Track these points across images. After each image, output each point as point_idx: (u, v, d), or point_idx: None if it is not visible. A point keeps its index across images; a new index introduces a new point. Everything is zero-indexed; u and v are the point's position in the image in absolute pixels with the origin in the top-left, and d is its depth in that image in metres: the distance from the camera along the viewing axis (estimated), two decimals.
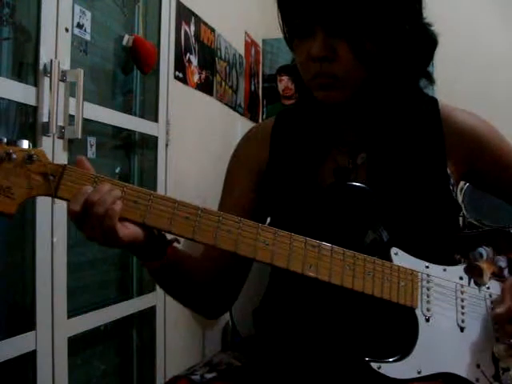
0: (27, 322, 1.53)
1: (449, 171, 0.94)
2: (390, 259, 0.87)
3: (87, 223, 0.76)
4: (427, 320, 0.87)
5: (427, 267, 0.89)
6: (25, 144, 0.75)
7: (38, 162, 0.75)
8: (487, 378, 0.88)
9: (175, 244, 0.87)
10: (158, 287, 2.18)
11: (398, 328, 0.87)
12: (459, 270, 0.92)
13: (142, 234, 0.80)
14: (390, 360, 0.84)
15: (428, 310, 0.87)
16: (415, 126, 0.95)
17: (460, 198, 2.61)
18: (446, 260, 0.93)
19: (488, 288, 0.93)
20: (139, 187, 0.78)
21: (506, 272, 0.96)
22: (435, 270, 0.90)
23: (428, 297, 0.88)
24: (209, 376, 0.95)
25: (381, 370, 0.82)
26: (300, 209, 0.94)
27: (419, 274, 0.88)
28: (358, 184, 0.91)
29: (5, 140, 0.73)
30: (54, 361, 1.61)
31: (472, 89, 3.16)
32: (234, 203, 1.01)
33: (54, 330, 1.60)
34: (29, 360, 1.53)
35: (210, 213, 0.79)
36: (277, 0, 0.90)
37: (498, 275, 0.95)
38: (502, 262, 0.96)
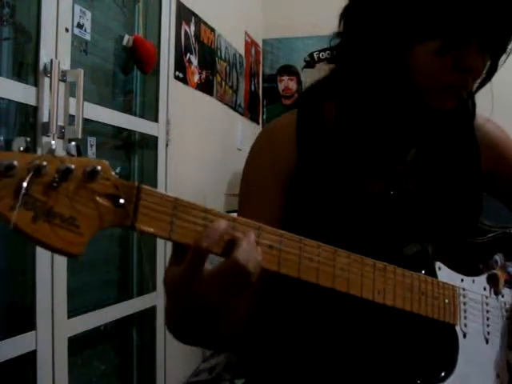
0: (27, 322, 1.53)
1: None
2: (434, 274, 0.84)
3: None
4: (464, 336, 0.85)
5: (462, 281, 0.87)
6: (73, 149, 0.53)
7: (102, 179, 0.53)
8: None
9: None
10: (158, 287, 2.19)
11: (439, 346, 0.85)
12: (483, 280, 0.91)
13: None
14: (437, 382, 0.82)
15: (465, 325, 0.86)
16: (453, 128, 0.95)
17: None
18: (474, 270, 0.91)
19: (502, 296, 0.92)
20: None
21: None
22: (467, 282, 0.88)
23: (465, 312, 0.86)
24: (239, 382, 0.92)
25: None
26: (342, 214, 0.87)
27: (457, 288, 0.86)
28: (403, 191, 0.89)
29: (52, 144, 0.52)
30: (54, 361, 1.61)
31: (496, 98, 3.14)
32: (261, 215, 0.85)
33: (54, 329, 1.60)
34: (29, 360, 1.53)
35: (290, 238, 0.66)
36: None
37: (509, 282, 0.94)
38: (511, 267, 0.96)
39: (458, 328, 0.85)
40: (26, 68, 1.57)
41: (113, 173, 0.55)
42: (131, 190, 0.55)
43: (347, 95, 0.91)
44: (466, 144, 0.95)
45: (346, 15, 0.88)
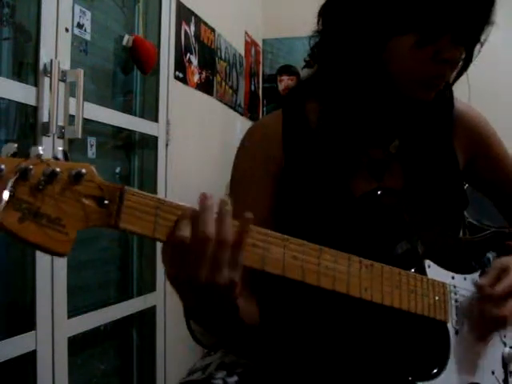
0: (27, 322, 1.53)
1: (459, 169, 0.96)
2: (424, 272, 0.85)
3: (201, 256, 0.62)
4: (456, 333, 0.86)
5: (453, 278, 0.88)
6: (60, 154, 0.57)
7: (87, 181, 0.57)
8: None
9: None
10: (157, 287, 2.19)
11: (430, 343, 0.86)
12: (476, 277, 0.91)
13: None
14: (427, 379, 0.82)
15: (457, 322, 0.86)
16: (430, 120, 0.96)
17: None
18: (467, 268, 0.91)
19: None
20: None
21: None
22: (459, 280, 0.88)
23: (456, 309, 0.86)
24: (231, 380, 0.91)
25: None
26: (331, 215, 0.89)
27: (448, 286, 0.86)
28: (391, 191, 0.90)
29: (40, 150, 0.55)
30: (54, 361, 1.61)
31: (474, 89, 3.15)
32: (251, 204, 0.91)
33: (54, 330, 1.60)
34: (29, 360, 1.53)
35: (274, 237, 0.68)
36: None
37: None
38: None
39: (449, 325, 0.85)
40: (26, 68, 1.57)
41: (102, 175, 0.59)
42: (115, 192, 0.59)
43: (328, 92, 0.93)
44: (444, 136, 0.97)
45: (324, 13, 0.91)
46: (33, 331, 1.52)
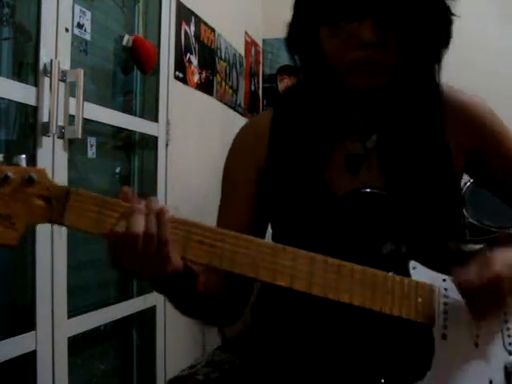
0: (27, 322, 1.53)
1: (454, 163, 0.91)
2: (407, 273, 0.82)
3: (132, 248, 0.70)
4: (443, 337, 0.82)
5: (444, 280, 0.84)
6: (22, 161, 0.66)
7: (38, 184, 0.67)
8: None
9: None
10: None
11: (413, 348, 0.83)
12: None
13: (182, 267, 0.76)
14: (404, 382, 0.79)
15: (445, 327, 0.82)
16: (418, 110, 0.93)
17: None
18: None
19: None
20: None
21: None
22: (451, 283, 0.84)
23: (445, 313, 0.82)
24: (213, 375, 0.94)
25: None
26: (309, 216, 0.89)
27: (436, 288, 0.83)
28: (374, 191, 0.87)
29: (0, 157, 0.66)
30: (54, 361, 1.61)
31: (473, 89, 3.15)
32: (236, 204, 0.97)
33: (54, 330, 1.60)
34: (29, 360, 1.53)
35: (220, 233, 0.74)
36: None
37: None
38: None
39: (435, 328, 0.81)
40: (26, 68, 1.57)
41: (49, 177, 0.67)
42: (62, 192, 0.68)
43: (297, 86, 0.98)
44: (434, 129, 0.93)
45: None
46: (33, 331, 1.52)
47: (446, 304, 0.83)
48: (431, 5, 0.83)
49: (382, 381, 0.80)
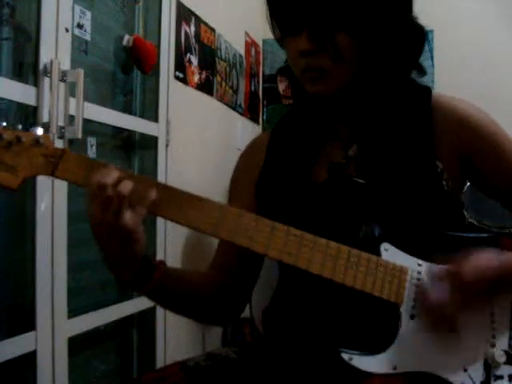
0: (27, 322, 1.53)
1: (440, 165, 0.93)
2: (379, 254, 0.86)
3: (108, 200, 0.79)
4: (411, 317, 0.85)
5: (420, 265, 0.88)
6: (39, 131, 0.85)
7: (43, 146, 0.84)
8: None
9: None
10: None
11: (381, 323, 0.86)
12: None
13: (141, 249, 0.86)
14: (364, 353, 0.82)
15: (414, 307, 0.85)
16: (405, 117, 0.96)
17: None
18: (441, 258, 0.90)
19: None
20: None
21: None
22: (426, 267, 0.88)
23: (416, 294, 0.86)
24: (204, 364, 0.97)
25: (352, 362, 0.81)
26: (294, 205, 0.95)
27: (409, 270, 0.86)
28: (351, 178, 0.92)
29: (19, 126, 0.84)
30: (54, 361, 1.61)
31: (473, 90, 3.15)
32: (239, 205, 1.02)
33: (54, 330, 1.60)
34: (29, 360, 1.53)
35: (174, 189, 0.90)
36: (266, 1, 0.95)
37: None
38: None
39: (402, 308, 0.85)
40: (26, 68, 1.57)
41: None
42: (59, 152, 0.85)
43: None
44: (416, 127, 0.95)
45: None
46: (33, 331, 1.52)
47: (417, 286, 0.86)
48: (364, 12, 0.87)
49: (339, 349, 0.82)
